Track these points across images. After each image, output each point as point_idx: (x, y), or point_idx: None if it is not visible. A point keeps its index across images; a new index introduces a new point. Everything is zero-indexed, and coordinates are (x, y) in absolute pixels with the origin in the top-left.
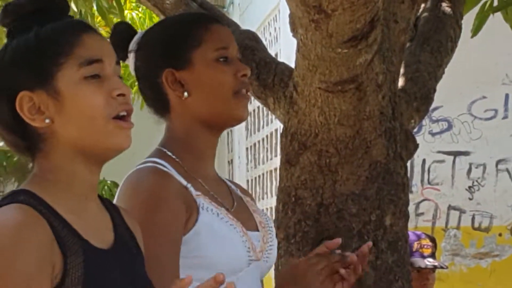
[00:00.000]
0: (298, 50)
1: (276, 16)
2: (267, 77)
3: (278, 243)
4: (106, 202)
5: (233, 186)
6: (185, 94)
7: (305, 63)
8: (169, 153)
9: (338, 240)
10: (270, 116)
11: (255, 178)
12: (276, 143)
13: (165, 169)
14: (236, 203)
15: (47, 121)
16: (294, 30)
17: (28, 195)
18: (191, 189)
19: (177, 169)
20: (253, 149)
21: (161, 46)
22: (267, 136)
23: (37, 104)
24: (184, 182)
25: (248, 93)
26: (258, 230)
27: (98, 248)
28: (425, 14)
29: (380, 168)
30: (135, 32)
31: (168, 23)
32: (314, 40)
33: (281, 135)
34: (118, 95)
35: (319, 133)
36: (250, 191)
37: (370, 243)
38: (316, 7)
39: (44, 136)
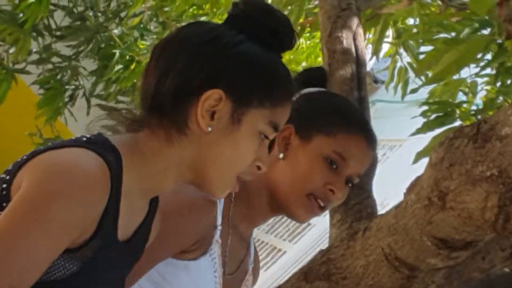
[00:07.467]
0: None
1: None
2: None
3: None
4: (154, 198)
5: (252, 252)
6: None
7: None
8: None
9: None
10: None
11: None
12: None
13: (213, 199)
14: (237, 273)
15: (209, 129)
16: None
17: (117, 160)
18: (218, 232)
19: (224, 209)
20: None
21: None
22: None
23: (216, 108)
24: (219, 221)
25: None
26: None
27: (118, 239)
28: None
29: None
30: None
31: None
32: None
33: None
34: (257, 166)
35: None
36: None
37: None
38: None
39: (189, 134)
